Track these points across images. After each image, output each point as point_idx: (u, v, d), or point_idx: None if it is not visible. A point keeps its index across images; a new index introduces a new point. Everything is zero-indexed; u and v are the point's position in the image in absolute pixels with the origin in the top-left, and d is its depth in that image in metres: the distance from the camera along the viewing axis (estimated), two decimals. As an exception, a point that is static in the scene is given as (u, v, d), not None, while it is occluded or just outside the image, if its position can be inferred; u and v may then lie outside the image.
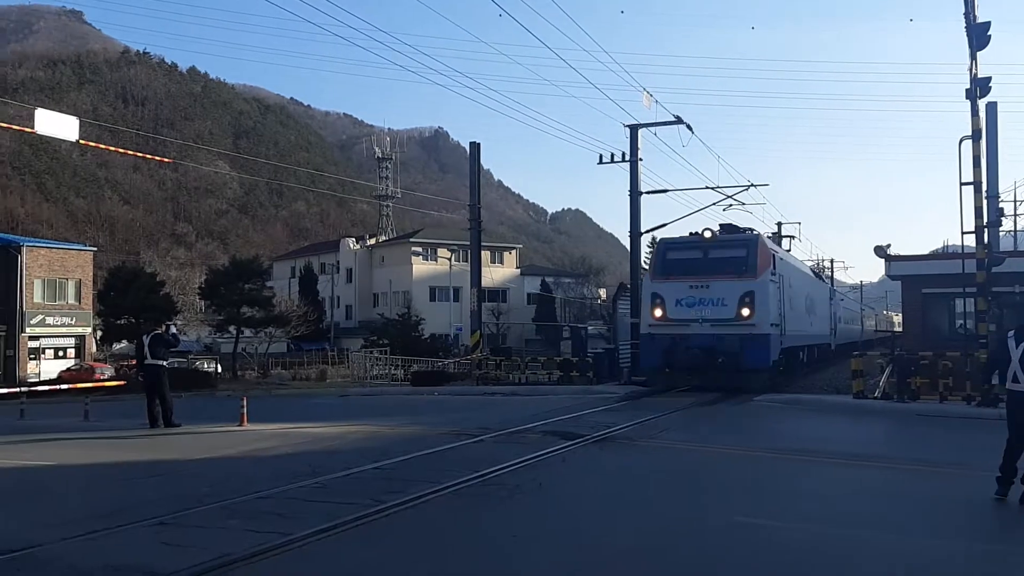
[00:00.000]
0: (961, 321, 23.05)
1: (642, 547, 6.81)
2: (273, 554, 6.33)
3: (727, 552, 6.63)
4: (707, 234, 22.65)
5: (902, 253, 27.53)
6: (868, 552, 6.65)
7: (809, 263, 67.17)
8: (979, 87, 17.92)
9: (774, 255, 23.01)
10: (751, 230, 24.22)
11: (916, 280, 24.23)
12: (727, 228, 24.51)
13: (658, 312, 22.27)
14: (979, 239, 18.04)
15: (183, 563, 5.97)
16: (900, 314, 38.73)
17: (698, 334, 21.49)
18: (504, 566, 6.34)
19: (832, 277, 71.16)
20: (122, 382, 37.58)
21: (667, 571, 6.28)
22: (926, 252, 31.38)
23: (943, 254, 30.99)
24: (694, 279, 21.88)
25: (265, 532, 6.88)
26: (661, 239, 25.63)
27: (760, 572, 6.17)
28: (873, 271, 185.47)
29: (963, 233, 18.63)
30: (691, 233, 23.54)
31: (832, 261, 73.87)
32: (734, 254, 22.23)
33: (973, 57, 17.97)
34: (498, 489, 9.07)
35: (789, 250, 40.35)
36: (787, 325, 23.73)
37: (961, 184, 18.29)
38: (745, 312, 21.08)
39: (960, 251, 20.35)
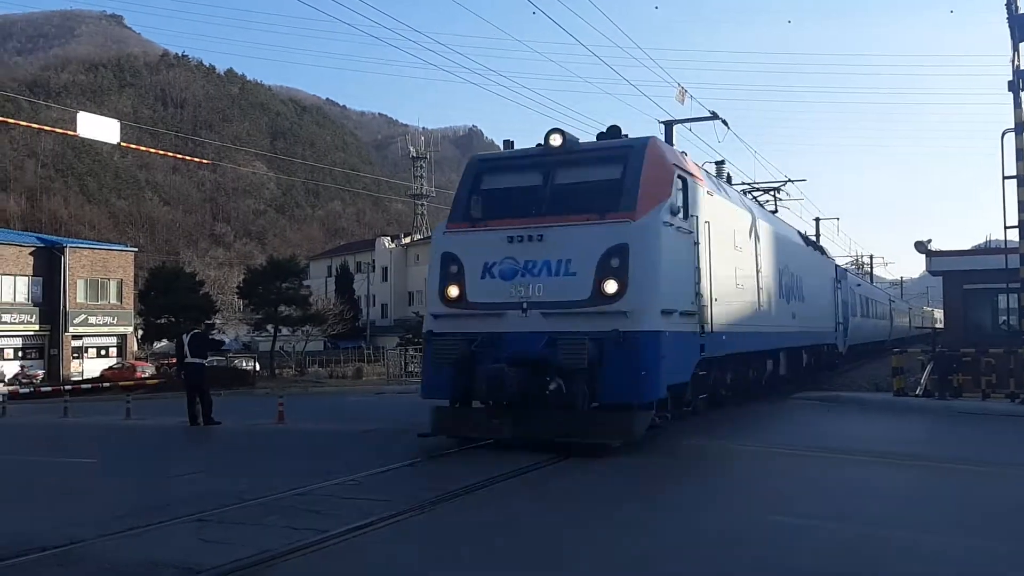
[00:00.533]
0: (1004, 317, 22.64)
1: (676, 545, 6.77)
2: (311, 550, 6.39)
3: (761, 548, 6.57)
4: (555, 140, 12.36)
5: (943, 248, 27.10)
6: (907, 553, 6.55)
7: (847, 259, 65.52)
8: (1021, 79, 17.58)
9: (684, 180, 12.82)
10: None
11: (958, 276, 23.83)
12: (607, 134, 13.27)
13: (452, 291, 12.13)
14: (1023, 234, 17.69)
15: (222, 559, 6.05)
16: (941, 310, 32.16)
17: (518, 333, 11.47)
18: (542, 560, 6.32)
19: (871, 273, 70.19)
20: (160, 380, 38.32)
21: (696, 571, 6.22)
22: (968, 247, 30.79)
23: (985, 249, 30.42)
24: (519, 225, 11.83)
25: (302, 529, 6.94)
26: (474, 155, 14.72)
27: (793, 572, 6.10)
28: (914, 267, 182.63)
29: (1006, 228, 18.28)
30: (538, 145, 12.78)
31: (872, 257, 72.90)
32: (599, 176, 12.20)
33: (1015, 49, 17.62)
34: (532, 487, 9.08)
35: (776, 211, 27.22)
36: (722, 313, 13.74)
37: (1004, 178, 17.96)
38: (610, 287, 11.17)
39: (1003, 246, 19.97)
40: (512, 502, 8.46)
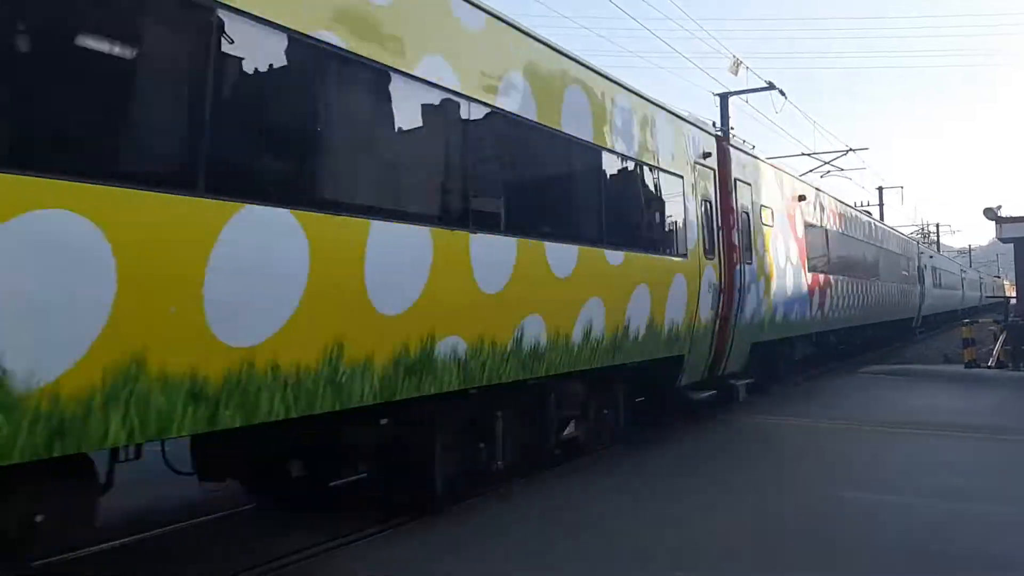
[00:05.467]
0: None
1: (748, 521, 6.69)
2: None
3: (832, 527, 6.46)
4: None
5: (1015, 214, 26.20)
6: (991, 527, 6.40)
7: (912, 228, 63.31)
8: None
9: None
10: None
11: (1030, 242, 23.06)
12: None
13: None
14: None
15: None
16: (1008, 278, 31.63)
17: None
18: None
19: (938, 241, 68.16)
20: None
21: (767, 551, 6.13)
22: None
23: (1060, 214, 29.35)
24: None
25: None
26: None
27: (866, 547, 5.98)
28: (983, 234, 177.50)
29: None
30: None
31: (938, 225, 70.75)
32: None
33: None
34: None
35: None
36: None
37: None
38: None
39: (1079, 210, 19.28)
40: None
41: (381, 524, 6.59)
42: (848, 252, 20.03)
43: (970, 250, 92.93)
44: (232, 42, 4.81)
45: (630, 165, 9.49)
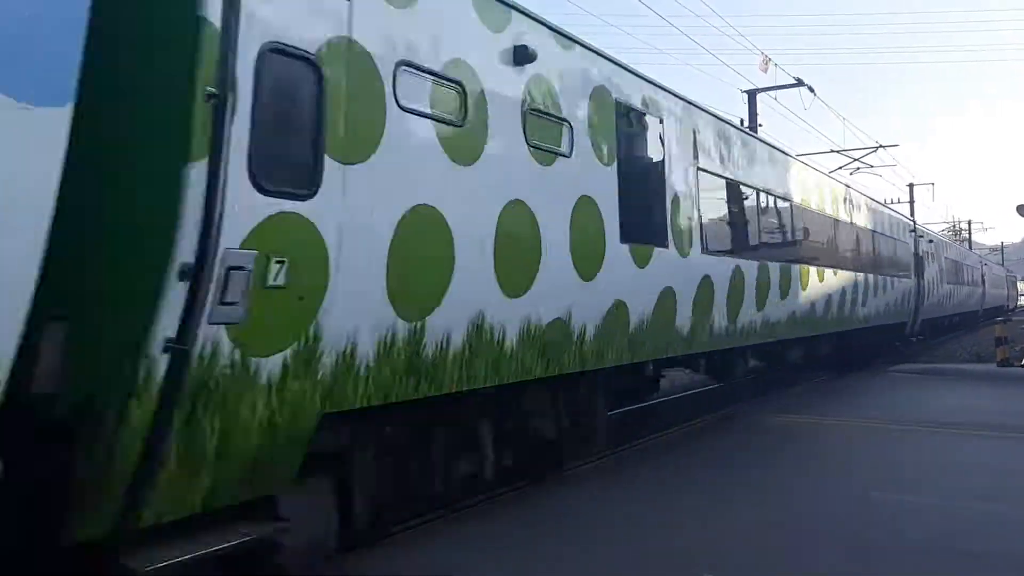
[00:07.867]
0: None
1: (772, 521, 6.65)
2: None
3: (864, 527, 6.40)
4: None
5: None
6: (1018, 527, 6.31)
7: (944, 225, 63.05)
8: None
9: None
10: None
11: (1065, 239, 22.83)
12: None
13: None
14: None
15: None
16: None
17: None
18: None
19: (970, 239, 67.33)
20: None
21: (794, 551, 6.09)
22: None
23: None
24: None
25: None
26: None
27: (897, 547, 5.92)
28: (1015, 231, 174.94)
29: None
30: None
31: (970, 222, 69.85)
32: None
33: None
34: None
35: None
36: None
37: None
38: None
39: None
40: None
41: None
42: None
43: (1002, 247, 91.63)
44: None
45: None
